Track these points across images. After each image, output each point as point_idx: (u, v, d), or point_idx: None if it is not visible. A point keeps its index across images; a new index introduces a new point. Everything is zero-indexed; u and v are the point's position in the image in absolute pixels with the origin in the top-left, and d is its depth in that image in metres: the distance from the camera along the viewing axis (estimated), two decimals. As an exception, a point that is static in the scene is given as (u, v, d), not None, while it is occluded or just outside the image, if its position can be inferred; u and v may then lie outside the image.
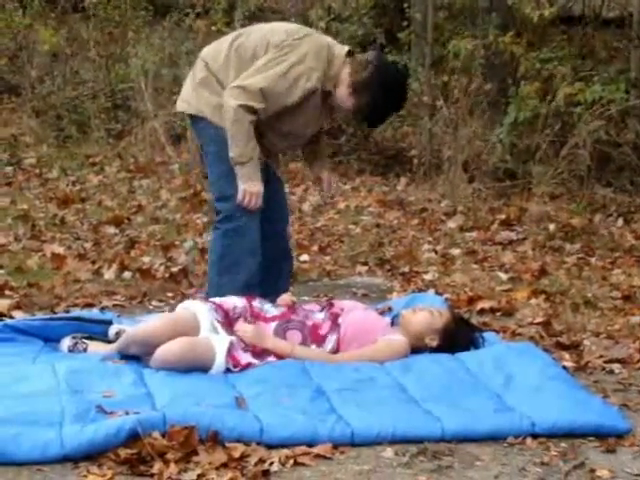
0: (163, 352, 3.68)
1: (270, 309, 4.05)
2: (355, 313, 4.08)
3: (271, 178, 4.58)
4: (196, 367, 3.67)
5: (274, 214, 4.59)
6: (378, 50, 4.52)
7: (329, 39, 4.54)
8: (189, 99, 4.51)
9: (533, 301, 5.27)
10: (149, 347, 3.74)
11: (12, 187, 8.14)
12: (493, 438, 3.30)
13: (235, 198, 4.37)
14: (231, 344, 3.77)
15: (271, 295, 4.25)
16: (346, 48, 4.47)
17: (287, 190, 7.17)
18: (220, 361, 3.71)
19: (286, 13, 11.56)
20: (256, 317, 3.98)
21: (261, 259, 4.52)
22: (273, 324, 3.96)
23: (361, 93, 4.35)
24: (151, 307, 5.04)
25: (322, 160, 4.83)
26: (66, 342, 4.01)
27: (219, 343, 3.75)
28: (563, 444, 3.29)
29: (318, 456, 3.12)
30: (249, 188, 4.35)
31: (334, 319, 4.02)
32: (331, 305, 4.15)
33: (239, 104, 4.24)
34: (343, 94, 4.39)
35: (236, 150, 4.30)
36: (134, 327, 3.98)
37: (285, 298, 4.19)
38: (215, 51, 4.48)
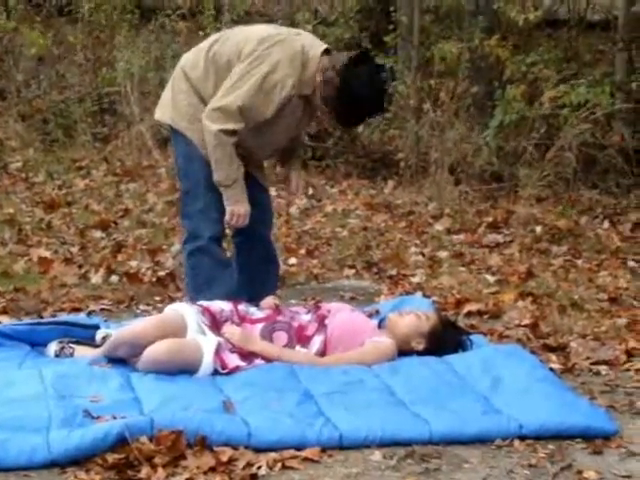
0: (151, 353, 3.67)
1: (256, 312, 4.06)
2: (342, 315, 4.08)
3: (253, 183, 4.56)
4: (184, 368, 3.67)
5: (257, 218, 4.59)
6: (357, 52, 4.43)
7: (305, 40, 4.40)
8: (166, 109, 4.49)
9: (520, 303, 5.28)
10: (137, 348, 3.73)
11: (-2, 191, 8.11)
12: (481, 440, 3.30)
13: (196, 216, 4.40)
14: (219, 345, 3.77)
15: (258, 299, 4.25)
16: (322, 48, 4.37)
17: (274, 194, 7.16)
18: (208, 362, 3.71)
19: (273, 17, 11.57)
20: (242, 320, 3.98)
21: (245, 266, 4.54)
22: (259, 326, 3.96)
23: (329, 95, 4.27)
24: (138, 311, 5.03)
25: (294, 160, 4.77)
26: (53, 347, 4.00)
27: (207, 344, 3.75)
28: (550, 446, 3.29)
29: (306, 459, 3.11)
30: (237, 210, 4.36)
31: (321, 320, 4.02)
32: (318, 307, 4.16)
33: (219, 129, 4.22)
34: (318, 96, 4.35)
35: (221, 174, 4.30)
36: (121, 329, 3.97)
37: (268, 301, 4.19)
38: (193, 61, 4.43)
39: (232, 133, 4.25)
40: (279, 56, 4.26)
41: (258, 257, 4.63)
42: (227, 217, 4.37)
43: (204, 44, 4.48)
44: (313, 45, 4.39)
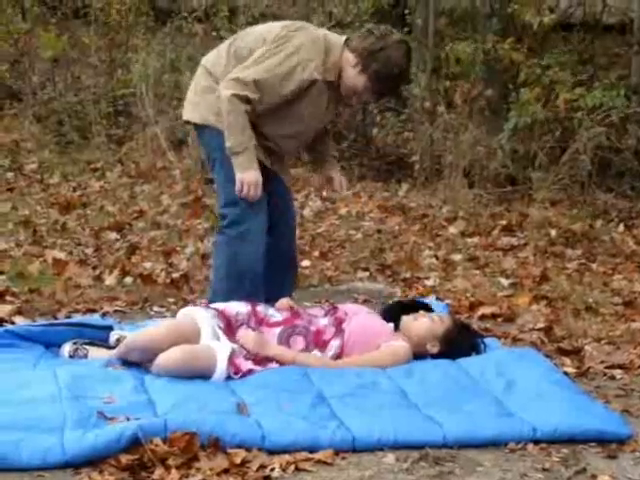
0: (164, 359, 3.67)
1: (274, 314, 4.05)
2: (359, 318, 4.07)
3: (277, 186, 4.57)
4: (197, 374, 3.67)
5: (280, 223, 4.60)
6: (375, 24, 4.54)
7: (325, 30, 4.55)
8: (193, 107, 4.52)
9: (534, 307, 5.27)
10: (150, 354, 3.73)
11: (13, 193, 8.13)
12: (494, 444, 3.30)
13: (241, 205, 4.37)
14: (232, 352, 3.76)
15: (274, 300, 4.26)
16: (343, 37, 4.45)
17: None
18: (221, 369, 3.70)
19: (288, 19, 11.57)
20: (259, 322, 3.97)
21: (265, 268, 4.52)
22: (277, 330, 3.96)
23: (369, 63, 4.31)
24: (152, 313, 5.04)
25: (330, 160, 4.80)
26: (67, 348, 4.01)
27: (220, 351, 3.75)
28: (564, 450, 3.29)
29: (319, 462, 3.12)
30: (247, 177, 4.32)
31: (338, 324, 4.02)
32: (335, 310, 4.15)
33: (232, 93, 4.24)
34: (351, 75, 4.37)
35: (232, 140, 4.29)
36: (134, 333, 3.98)
37: (284, 302, 4.19)
38: (215, 57, 4.50)
39: (246, 100, 4.26)
40: (302, 39, 4.33)
41: (278, 262, 4.62)
42: (237, 186, 4.33)
43: (223, 45, 4.54)
44: (333, 34, 4.49)
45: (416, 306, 4.33)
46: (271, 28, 4.44)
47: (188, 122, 4.63)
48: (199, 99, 4.49)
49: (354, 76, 4.37)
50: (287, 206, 4.70)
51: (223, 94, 4.27)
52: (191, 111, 4.54)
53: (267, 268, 4.58)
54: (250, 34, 4.49)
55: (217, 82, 4.41)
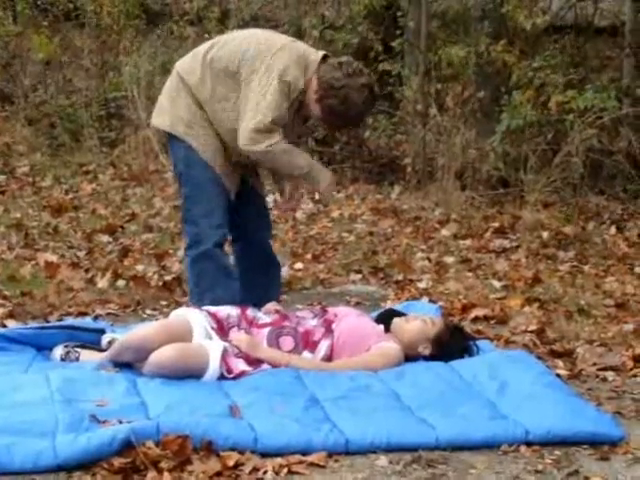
0: (157, 357, 3.67)
1: (263, 317, 4.06)
2: (349, 319, 4.08)
3: (250, 190, 4.60)
4: (190, 373, 3.67)
5: (254, 222, 4.62)
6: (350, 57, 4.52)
7: (303, 45, 4.51)
8: (164, 115, 4.49)
9: (527, 309, 5.27)
10: (142, 353, 3.73)
11: (5, 196, 8.13)
12: (487, 446, 3.29)
13: (199, 222, 4.40)
14: (225, 350, 3.76)
15: (262, 303, 4.27)
16: (321, 54, 4.42)
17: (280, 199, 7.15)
18: (214, 367, 3.71)
19: (280, 22, 11.58)
20: (250, 324, 3.98)
21: (247, 274, 4.58)
22: (266, 330, 3.97)
23: (326, 96, 4.30)
24: (145, 316, 5.04)
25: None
26: (58, 351, 4.00)
27: (213, 349, 3.75)
28: (557, 452, 3.29)
29: (312, 465, 3.11)
30: (326, 183, 4.42)
31: (327, 325, 4.02)
32: (324, 312, 4.16)
33: (266, 146, 4.26)
34: (310, 100, 4.37)
35: (297, 170, 4.36)
36: (127, 333, 3.98)
37: (269, 307, 4.19)
38: (189, 66, 4.46)
39: (278, 141, 4.28)
40: (286, 61, 4.30)
41: (259, 262, 4.64)
42: (323, 191, 4.43)
43: (200, 49, 4.51)
44: (312, 51, 4.46)
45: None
46: (249, 45, 4.37)
47: (157, 128, 4.62)
48: (170, 108, 4.46)
49: (312, 102, 4.37)
50: (260, 209, 4.70)
51: (257, 150, 4.27)
52: (162, 118, 4.51)
53: (249, 271, 4.64)
54: (227, 44, 4.43)
55: (190, 92, 4.40)
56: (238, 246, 4.72)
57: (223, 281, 4.44)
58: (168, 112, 4.47)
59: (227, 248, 4.69)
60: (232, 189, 4.51)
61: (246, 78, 4.31)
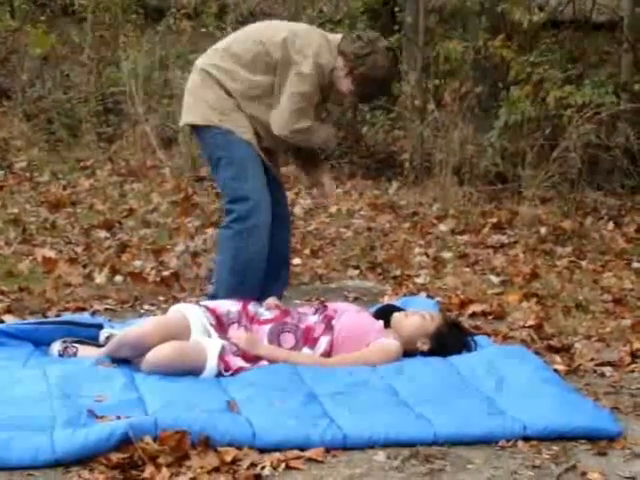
0: (154, 355, 3.67)
1: (264, 313, 4.06)
2: (349, 315, 4.08)
3: (271, 182, 4.64)
4: (187, 370, 3.67)
5: (275, 221, 4.64)
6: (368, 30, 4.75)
7: (321, 30, 4.73)
8: (191, 109, 4.60)
9: (524, 304, 5.27)
10: (140, 349, 3.74)
11: (3, 191, 8.11)
12: (485, 441, 3.30)
13: (249, 199, 4.47)
14: (223, 348, 3.76)
15: (265, 297, 4.28)
16: (339, 35, 4.60)
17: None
18: (212, 365, 3.71)
19: (278, 17, 11.56)
20: (251, 321, 3.98)
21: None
22: (267, 327, 3.96)
23: (355, 66, 4.45)
24: (142, 311, 5.03)
25: (320, 163, 4.89)
26: (56, 346, 4.00)
27: (211, 347, 3.75)
28: (555, 447, 3.29)
29: (310, 460, 3.11)
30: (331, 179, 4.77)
31: (327, 321, 4.02)
32: (324, 307, 4.16)
33: (299, 128, 4.46)
34: (338, 78, 4.50)
35: (330, 142, 4.69)
36: (125, 330, 3.98)
37: (269, 302, 4.19)
38: (214, 61, 4.56)
39: (311, 124, 4.50)
40: (317, 45, 4.46)
41: (273, 260, 4.66)
42: (330, 189, 4.75)
43: (221, 45, 4.63)
44: (328, 34, 4.65)
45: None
46: (275, 33, 4.51)
47: (189, 126, 4.71)
48: (196, 100, 4.56)
49: (340, 79, 4.50)
50: (281, 204, 4.77)
51: (295, 129, 4.46)
52: (189, 113, 4.61)
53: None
54: (249, 37, 4.57)
55: (218, 83, 4.51)
56: None
57: (256, 264, 4.50)
58: (196, 107, 4.57)
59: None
60: (271, 166, 4.66)
61: (282, 63, 4.45)
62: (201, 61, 4.63)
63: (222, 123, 4.50)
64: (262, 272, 4.52)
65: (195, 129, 4.66)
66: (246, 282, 4.39)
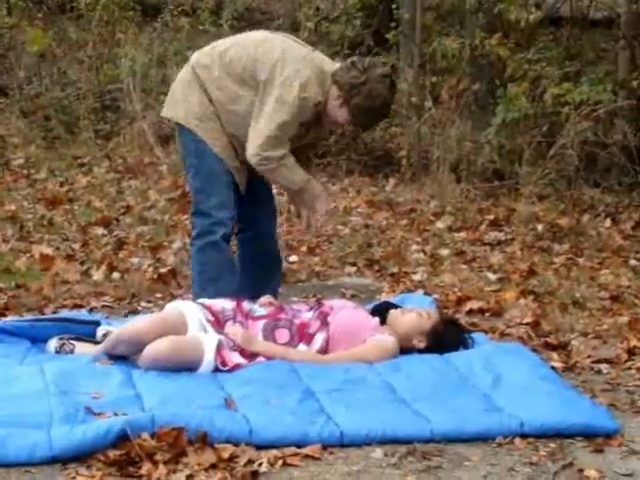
0: (151, 350, 3.68)
1: (258, 309, 4.06)
2: (344, 312, 4.08)
3: (258, 186, 4.61)
4: (185, 365, 3.67)
5: (260, 216, 4.63)
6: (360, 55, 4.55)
7: (321, 56, 4.52)
8: (178, 106, 4.51)
9: (522, 301, 5.27)
10: (137, 346, 3.74)
11: (0, 188, 8.11)
12: (482, 438, 3.30)
13: (210, 213, 4.42)
14: (220, 343, 3.76)
15: (260, 296, 4.27)
16: (337, 65, 4.45)
17: (275, 190, 7.18)
18: (209, 359, 3.71)
19: (274, 14, 11.56)
20: (245, 317, 3.98)
21: (250, 266, 4.62)
22: (261, 323, 3.97)
23: (351, 97, 4.30)
24: (140, 308, 5.03)
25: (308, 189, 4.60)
26: (53, 343, 3.99)
27: (208, 341, 3.75)
28: (552, 444, 3.29)
29: (307, 457, 3.11)
30: (322, 201, 4.51)
31: (323, 318, 4.02)
32: (320, 304, 4.16)
33: (270, 159, 4.32)
34: (333, 108, 4.38)
35: (293, 184, 4.43)
36: (122, 326, 3.98)
37: (264, 300, 4.19)
38: (206, 62, 4.45)
39: (284, 155, 4.34)
40: (307, 75, 4.30)
41: (262, 255, 4.66)
42: (322, 211, 4.52)
43: (219, 46, 4.50)
44: (327, 60, 4.49)
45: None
46: (271, 52, 4.34)
47: (169, 119, 4.64)
48: (184, 101, 4.47)
49: (336, 109, 4.37)
50: (266, 201, 4.73)
51: (262, 159, 4.32)
52: (174, 107, 4.53)
53: (251, 264, 4.65)
54: (247, 47, 4.41)
55: (203, 87, 4.42)
56: (244, 237, 4.73)
57: (226, 274, 4.46)
58: (182, 104, 4.49)
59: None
60: (242, 183, 4.54)
61: (265, 85, 4.32)
62: (196, 58, 4.52)
63: (197, 129, 4.42)
64: (236, 286, 4.45)
65: (177, 125, 4.59)
66: (218, 295, 4.25)
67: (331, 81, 4.35)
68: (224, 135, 4.44)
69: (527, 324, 4.80)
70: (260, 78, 4.32)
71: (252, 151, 4.32)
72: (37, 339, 4.06)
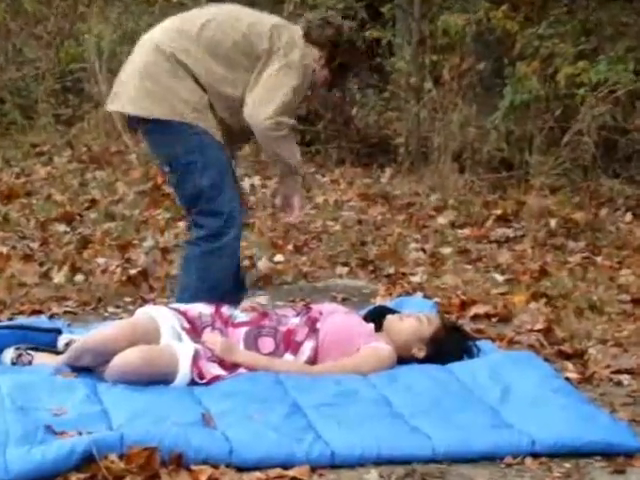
0: (120, 362, 3.67)
1: (239, 315, 4.06)
2: (335, 317, 4.09)
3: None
4: (157, 378, 3.68)
5: None
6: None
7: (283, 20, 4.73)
8: (159, 102, 4.42)
9: (532, 305, 5.29)
10: (104, 356, 3.74)
11: (-51, 180, 8.10)
12: (489, 458, 3.31)
13: (225, 211, 4.43)
14: (196, 352, 3.77)
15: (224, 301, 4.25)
16: (300, 26, 4.61)
17: (259, 183, 7.20)
18: (184, 372, 3.71)
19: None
20: (224, 323, 3.99)
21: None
22: (243, 330, 3.97)
23: (333, 56, 4.52)
24: (106, 314, 5.03)
25: (291, 176, 4.68)
26: (9, 354, 3.99)
27: (183, 351, 3.76)
28: (567, 464, 3.30)
29: (294, 479, 3.12)
30: (302, 195, 4.70)
31: (311, 324, 4.03)
32: (308, 309, 4.16)
33: (278, 128, 4.41)
34: (318, 70, 4.54)
35: (294, 160, 4.52)
36: (87, 334, 3.97)
37: (245, 306, 4.19)
38: (185, 46, 4.44)
39: (291, 125, 4.47)
40: (302, 43, 4.50)
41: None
42: (299, 207, 4.67)
43: (187, 25, 4.50)
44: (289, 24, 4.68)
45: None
46: (253, 24, 4.48)
47: (143, 118, 4.48)
48: (163, 89, 4.41)
49: (319, 71, 4.53)
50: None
51: (270, 129, 4.40)
52: (152, 104, 4.42)
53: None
54: (224, 23, 4.48)
55: (191, 73, 4.41)
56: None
57: (224, 286, 4.47)
58: (170, 98, 4.41)
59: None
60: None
61: (268, 54, 4.43)
62: (164, 42, 4.45)
63: (197, 121, 4.41)
64: (227, 294, 4.45)
65: (152, 123, 4.46)
66: (225, 298, 4.28)
67: (305, 42, 4.51)
68: (219, 122, 4.48)
69: (538, 330, 4.81)
70: (261, 48, 4.42)
71: (265, 115, 4.37)
72: (-9, 349, 4.06)
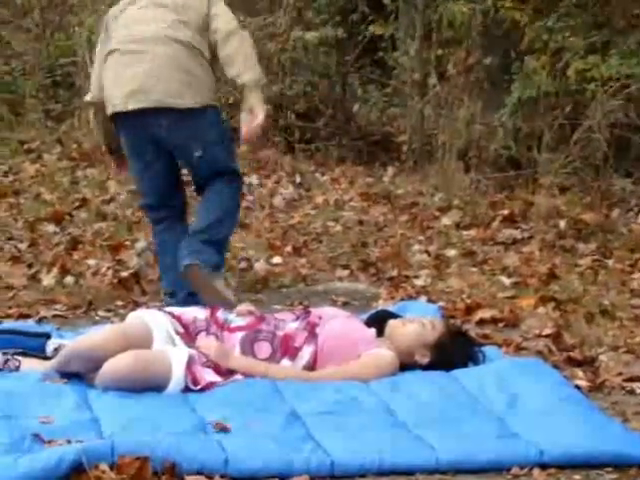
0: (111, 367, 3.68)
1: (235, 319, 4.06)
2: (335, 322, 4.09)
3: None
4: (149, 384, 3.68)
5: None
6: None
7: None
8: (190, 90, 4.82)
9: (541, 310, 5.29)
10: (94, 362, 3.74)
11: None
12: (495, 469, 3.30)
13: (238, 171, 5.11)
14: (190, 358, 3.76)
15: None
16: None
17: (257, 182, 7.26)
18: (178, 378, 3.71)
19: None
20: (220, 328, 3.99)
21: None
22: (239, 335, 3.97)
23: None
24: (97, 318, 5.03)
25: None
26: (-4, 359, 3.99)
27: (177, 356, 3.76)
28: (576, 476, 3.30)
29: (292, 490, 3.12)
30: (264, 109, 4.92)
31: (311, 329, 4.03)
32: (307, 313, 4.16)
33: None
34: None
35: (257, 71, 4.89)
36: (77, 339, 3.97)
37: (241, 309, 4.19)
38: (185, 32, 4.86)
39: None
40: None
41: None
42: (261, 119, 4.86)
43: (177, 17, 4.90)
44: None
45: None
46: None
47: (175, 109, 4.81)
48: (195, 79, 4.83)
49: None
50: None
51: (242, 32, 4.90)
52: (184, 94, 4.80)
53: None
54: (188, 7, 4.91)
55: (203, 55, 4.84)
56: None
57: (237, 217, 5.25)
58: (198, 86, 4.85)
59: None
60: None
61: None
62: (169, 31, 4.86)
63: (215, 101, 4.95)
64: None
65: (185, 113, 4.82)
66: (229, 230, 5.07)
67: None
68: None
69: (547, 336, 4.81)
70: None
71: (229, 17, 4.89)
72: (-23, 354, 4.06)
